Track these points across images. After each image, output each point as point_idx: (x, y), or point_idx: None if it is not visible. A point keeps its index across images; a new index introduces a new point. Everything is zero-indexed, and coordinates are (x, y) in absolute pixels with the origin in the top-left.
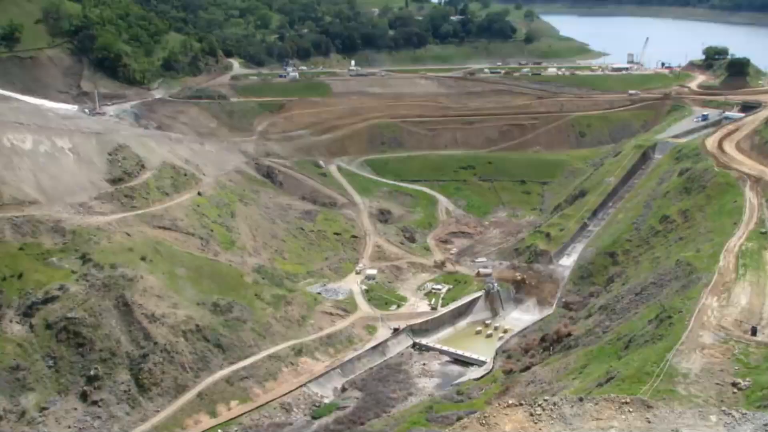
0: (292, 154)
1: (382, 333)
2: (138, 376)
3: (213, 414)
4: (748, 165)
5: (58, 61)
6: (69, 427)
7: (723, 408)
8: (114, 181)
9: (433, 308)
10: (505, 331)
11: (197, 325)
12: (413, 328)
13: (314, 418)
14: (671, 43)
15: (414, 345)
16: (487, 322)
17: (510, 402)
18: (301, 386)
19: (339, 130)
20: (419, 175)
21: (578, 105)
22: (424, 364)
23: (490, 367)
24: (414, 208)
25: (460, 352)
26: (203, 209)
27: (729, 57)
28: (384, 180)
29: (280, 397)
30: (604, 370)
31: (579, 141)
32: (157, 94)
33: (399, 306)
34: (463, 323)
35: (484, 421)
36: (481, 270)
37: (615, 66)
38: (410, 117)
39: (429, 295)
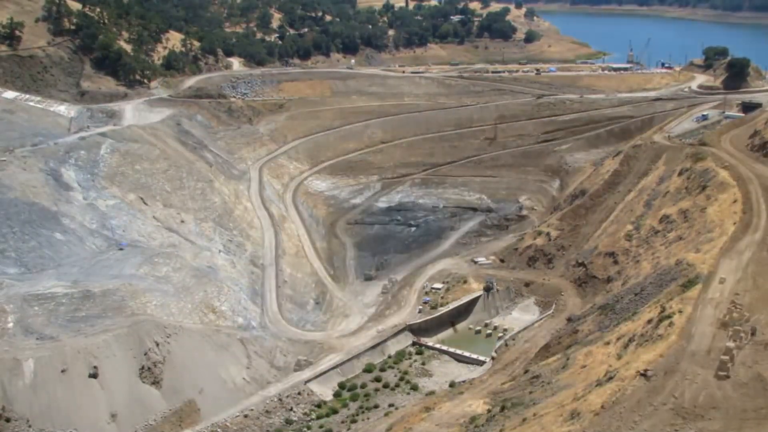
0: None
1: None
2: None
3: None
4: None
5: (58, 59)
6: None
7: None
8: None
9: (433, 307)
10: (505, 331)
11: None
12: (412, 328)
13: (314, 417)
14: (671, 43)
15: (413, 344)
16: (487, 321)
17: None
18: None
19: None
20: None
21: (578, 105)
22: (423, 364)
23: (489, 367)
24: None
25: (459, 351)
26: None
27: (729, 57)
28: None
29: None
30: (603, 370)
31: (579, 140)
32: (157, 93)
33: None
34: (462, 323)
35: None
36: (477, 260)
37: (615, 66)
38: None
39: (429, 294)
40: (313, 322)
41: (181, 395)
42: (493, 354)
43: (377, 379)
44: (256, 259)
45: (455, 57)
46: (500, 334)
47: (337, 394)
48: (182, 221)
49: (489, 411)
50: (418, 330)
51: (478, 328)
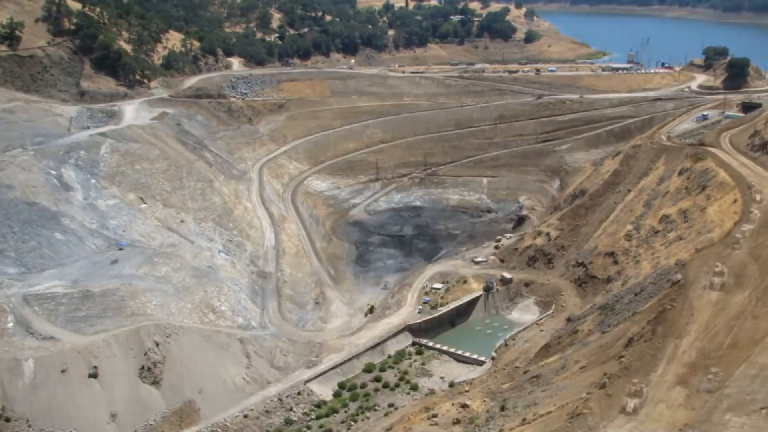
0: None
1: None
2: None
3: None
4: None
5: (58, 59)
6: None
7: None
8: None
9: (433, 307)
10: (505, 329)
11: None
12: (412, 328)
13: (314, 417)
14: (671, 43)
15: (413, 344)
16: (487, 321)
17: None
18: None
19: None
20: None
21: (578, 105)
22: (423, 364)
23: (489, 367)
24: None
25: (459, 351)
26: None
27: (729, 57)
28: None
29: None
30: (603, 370)
31: (579, 140)
32: (157, 93)
33: None
34: (462, 322)
35: None
36: (477, 260)
37: (615, 66)
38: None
39: (429, 294)
40: (313, 322)
41: (181, 395)
42: (493, 354)
43: (377, 379)
44: (256, 259)
45: (455, 57)
46: (500, 334)
47: (337, 394)
48: (182, 221)
49: (489, 411)
50: (418, 330)
51: (478, 327)
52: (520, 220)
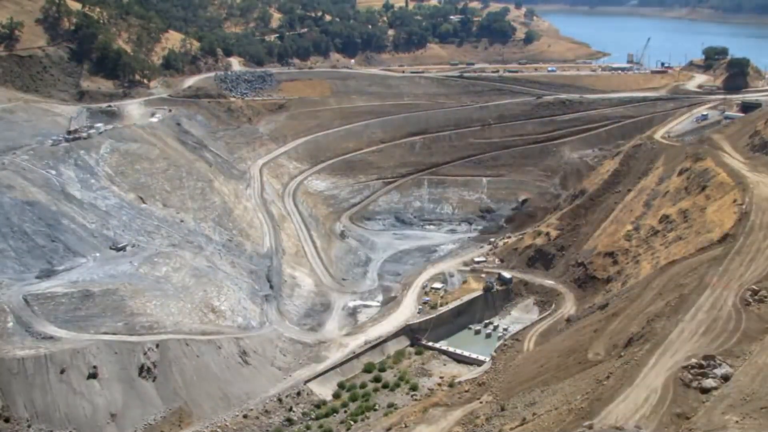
0: None
1: None
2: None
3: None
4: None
5: (57, 59)
6: None
7: None
8: None
9: (433, 307)
10: (505, 331)
11: None
12: (412, 327)
13: (314, 417)
14: (671, 43)
15: (413, 344)
16: (487, 321)
17: None
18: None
19: None
20: None
21: (578, 104)
22: (422, 364)
23: (489, 366)
24: None
25: (459, 351)
26: None
27: (729, 57)
28: None
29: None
30: (604, 368)
31: (578, 140)
32: (157, 93)
33: None
34: (463, 323)
35: None
36: (477, 260)
37: (615, 66)
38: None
39: (429, 294)
40: (313, 322)
41: (181, 395)
42: (493, 354)
43: (377, 379)
44: (256, 259)
45: (455, 57)
46: (500, 334)
47: (336, 394)
48: (182, 221)
49: (488, 411)
50: (417, 330)
51: (478, 327)
52: (520, 220)
